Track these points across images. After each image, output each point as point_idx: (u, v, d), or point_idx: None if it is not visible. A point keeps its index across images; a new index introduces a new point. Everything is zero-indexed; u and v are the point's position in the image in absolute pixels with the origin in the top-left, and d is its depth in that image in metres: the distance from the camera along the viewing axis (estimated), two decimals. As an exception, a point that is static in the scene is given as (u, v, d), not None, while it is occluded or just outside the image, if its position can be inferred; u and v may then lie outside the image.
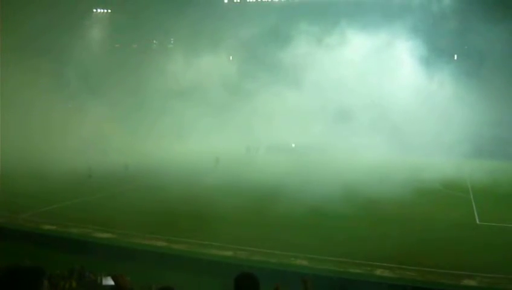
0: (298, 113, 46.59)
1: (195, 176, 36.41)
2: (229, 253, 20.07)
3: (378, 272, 18.19)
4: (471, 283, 17.23)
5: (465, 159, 44.79)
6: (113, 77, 56.84)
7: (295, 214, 25.45)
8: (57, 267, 15.20)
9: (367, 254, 19.57)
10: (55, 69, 51.20)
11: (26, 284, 3.49)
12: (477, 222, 26.19)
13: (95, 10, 72.48)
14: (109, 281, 5.16)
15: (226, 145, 49.41)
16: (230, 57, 60.38)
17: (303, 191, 29.79)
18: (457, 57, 61.79)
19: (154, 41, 75.66)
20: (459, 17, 54.08)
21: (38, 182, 32.51)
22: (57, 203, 28.85)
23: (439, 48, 51.91)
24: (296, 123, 47.34)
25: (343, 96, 44.31)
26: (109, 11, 73.34)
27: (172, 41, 71.00)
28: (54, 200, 29.26)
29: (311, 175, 37.32)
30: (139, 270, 16.14)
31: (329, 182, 32.66)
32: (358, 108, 45.15)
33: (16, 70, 44.34)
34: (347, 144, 46.33)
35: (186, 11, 52.77)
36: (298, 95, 45.48)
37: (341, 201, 27.62)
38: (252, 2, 71.88)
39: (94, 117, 49.10)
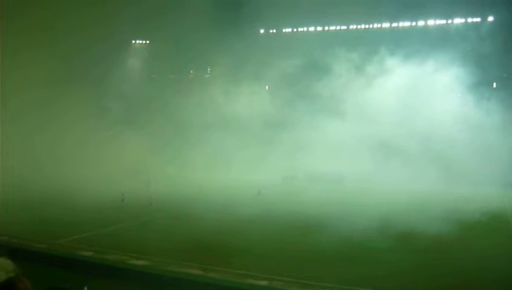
0: (339, 143, 45.84)
1: (233, 207, 36.04)
2: (264, 283, 19.77)
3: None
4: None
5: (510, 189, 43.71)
6: (150, 106, 57.75)
7: (332, 245, 24.88)
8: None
9: (405, 285, 19.07)
10: (94, 98, 52.30)
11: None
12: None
13: (134, 41, 74.20)
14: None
15: (264, 176, 49.16)
16: (267, 87, 60.59)
17: (340, 221, 29.27)
18: (496, 84, 60.87)
19: (191, 72, 76.62)
20: (498, 42, 53.40)
21: (76, 210, 32.97)
22: (93, 230, 29.09)
23: (480, 76, 50.83)
24: (337, 153, 46.60)
25: (386, 126, 43.77)
26: (147, 42, 74.92)
27: (209, 71, 71.89)
28: (90, 228, 29.54)
29: (350, 206, 36.66)
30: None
31: (367, 213, 32.12)
32: (401, 138, 44.43)
33: (55, 99, 45.36)
34: (389, 174, 45.64)
35: (221, 41, 53.32)
36: (339, 125, 44.91)
37: (378, 233, 27.06)
38: (288, 32, 72.42)
39: (133, 146, 49.74)
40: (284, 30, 72.70)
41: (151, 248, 24.02)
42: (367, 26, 67.93)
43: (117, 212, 35.08)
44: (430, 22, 63.69)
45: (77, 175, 44.23)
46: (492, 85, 59.97)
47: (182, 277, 20.33)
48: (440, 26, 62.92)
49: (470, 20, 61.81)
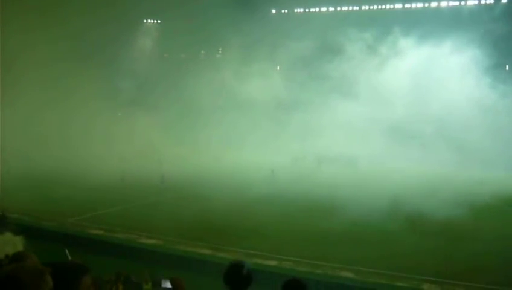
0: (351, 125, 45.44)
1: (243, 188, 35.89)
2: (273, 263, 19.84)
3: (426, 287, 17.61)
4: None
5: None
6: (161, 86, 57.72)
7: (342, 227, 24.79)
8: (103, 271, 15.28)
9: (414, 268, 19.04)
10: (105, 77, 52.29)
11: (67, 280, 3.42)
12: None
13: (145, 20, 74.09)
14: (167, 284, 5.07)
15: (275, 157, 49.11)
16: (278, 67, 60.24)
17: (351, 203, 29.18)
18: (508, 67, 60.20)
19: (202, 52, 76.42)
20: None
21: (87, 189, 33.13)
22: (103, 209, 29.29)
23: (494, 58, 50.02)
24: (350, 135, 46.28)
25: (399, 108, 43.33)
26: (159, 21, 74.77)
27: (220, 52, 71.64)
28: (100, 207, 29.74)
29: (361, 188, 36.49)
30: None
31: (378, 195, 32.06)
32: (414, 120, 44.03)
33: (65, 78, 45.47)
34: (402, 156, 45.39)
35: (233, 21, 52.94)
36: (351, 107, 44.46)
37: (389, 215, 27.08)
38: (300, 12, 71.89)
39: (144, 126, 49.82)
40: (296, 10, 72.23)
41: (161, 228, 24.18)
42: (380, 7, 67.29)
43: (127, 191, 35.23)
44: (443, 3, 62.99)
45: (88, 155, 44.39)
46: (505, 67, 59.29)
47: (191, 256, 20.45)
48: (453, 8, 62.18)
49: (483, 1, 61.01)
